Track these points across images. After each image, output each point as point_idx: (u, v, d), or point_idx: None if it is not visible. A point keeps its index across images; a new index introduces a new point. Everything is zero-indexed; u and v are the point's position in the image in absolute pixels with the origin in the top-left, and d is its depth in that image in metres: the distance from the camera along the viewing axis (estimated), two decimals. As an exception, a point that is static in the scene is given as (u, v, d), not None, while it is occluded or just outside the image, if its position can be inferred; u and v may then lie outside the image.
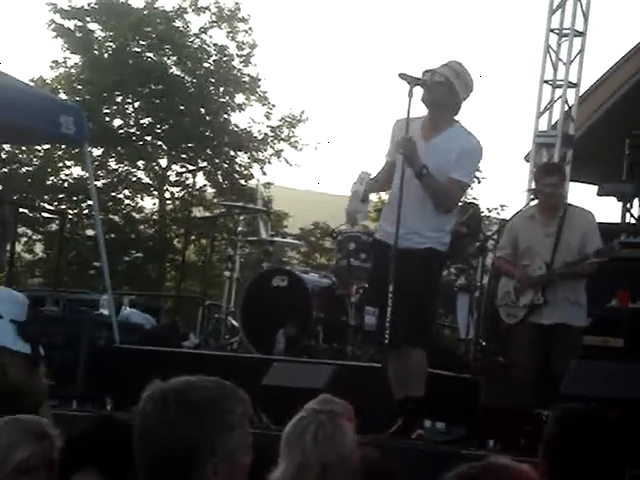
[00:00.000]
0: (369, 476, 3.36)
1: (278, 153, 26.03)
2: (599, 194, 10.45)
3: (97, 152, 24.75)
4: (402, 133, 6.21)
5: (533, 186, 7.75)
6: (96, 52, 24.93)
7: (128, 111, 25.41)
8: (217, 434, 2.30)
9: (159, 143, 25.64)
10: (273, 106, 26.02)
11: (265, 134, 25.96)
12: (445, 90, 6.25)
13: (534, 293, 6.77)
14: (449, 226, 6.48)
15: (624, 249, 8.58)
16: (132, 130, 25.46)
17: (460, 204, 8.17)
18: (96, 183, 22.05)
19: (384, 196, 27.51)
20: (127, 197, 25.89)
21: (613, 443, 2.97)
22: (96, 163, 23.93)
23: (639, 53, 11.56)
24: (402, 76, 6.18)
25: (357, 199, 6.40)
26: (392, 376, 6.24)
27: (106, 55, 24.95)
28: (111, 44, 25.05)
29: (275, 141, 26.04)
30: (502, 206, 23.51)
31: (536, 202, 7.11)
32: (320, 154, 43.04)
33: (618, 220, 10.53)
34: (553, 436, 3.02)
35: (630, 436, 3.07)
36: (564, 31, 11.06)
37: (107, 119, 24.94)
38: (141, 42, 25.15)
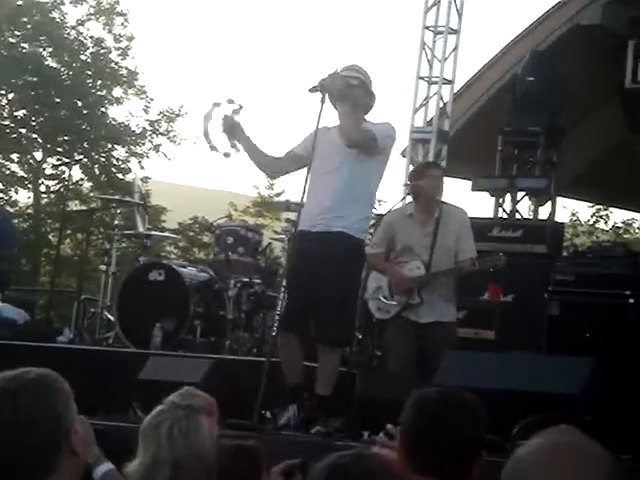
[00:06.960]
0: (234, 461, 3.35)
1: (156, 147, 25.83)
2: (473, 189, 10.62)
3: (-31, 144, 24.18)
4: (318, 140, 6.24)
5: (408, 184, 7.83)
6: (-32, 42, 24.41)
7: (2, 103, 24.90)
8: (67, 400, 2.26)
9: (34, 136, 25.18)
10: (151, 100, 25.85)
11: (143, 128, 25.74)
12: (362, 91, 6.40)
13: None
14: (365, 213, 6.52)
15: (496, 243, 8.78)
16: (6, 122, 24.96)
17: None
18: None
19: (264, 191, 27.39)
20: (0, 190, 25.39)
21: (466, 424, 2.92)
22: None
23: (511, 51, 11.77)
24: (313, 90, 6.21)
25: (206, 119, 6.52)
26: (287, 361, 6.30)
27: (-21, 45, 24.43)
28: (-16, 34, 24.55)
29: (153, 135, 25.83)
30: (379, 200, 23.70)
31: (411, 200, 7.12)
32: (198, 149, 42.68)
33: (491, 214, 10.74)
34: (408, 421, 2.97)
35: (494, 421, 3.09)
36: (439, 29, 11.22)
37: (-20, 111, 24.44)
38: (16, 33, 24.66)
